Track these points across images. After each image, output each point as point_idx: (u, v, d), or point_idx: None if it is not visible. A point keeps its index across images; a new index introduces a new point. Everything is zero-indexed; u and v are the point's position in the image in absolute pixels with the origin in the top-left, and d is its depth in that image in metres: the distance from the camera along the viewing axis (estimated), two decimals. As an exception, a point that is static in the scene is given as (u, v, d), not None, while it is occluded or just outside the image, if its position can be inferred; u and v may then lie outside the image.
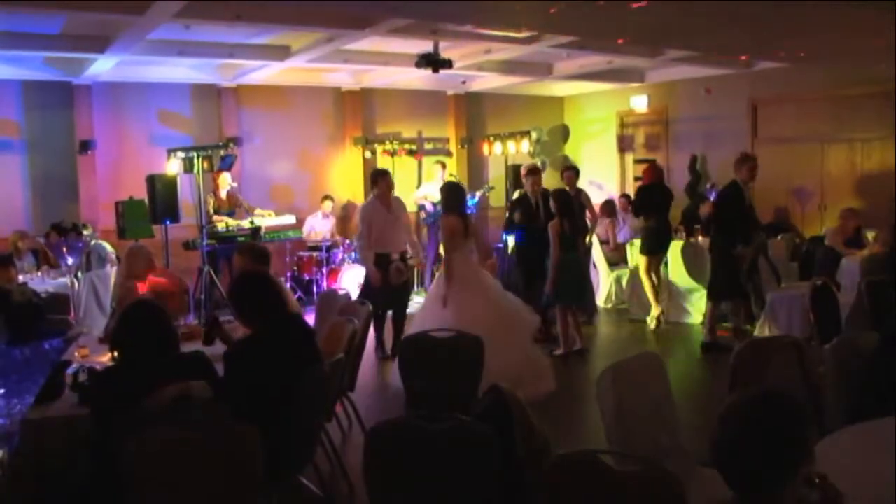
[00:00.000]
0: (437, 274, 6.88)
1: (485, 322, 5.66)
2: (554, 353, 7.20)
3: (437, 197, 10.85)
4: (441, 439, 2.77)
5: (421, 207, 11.09)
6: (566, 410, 5.92)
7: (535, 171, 8.18)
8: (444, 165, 11.33)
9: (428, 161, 11.92)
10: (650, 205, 8.58)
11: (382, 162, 11.64)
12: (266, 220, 9.46)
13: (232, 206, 9.62)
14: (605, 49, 9.28)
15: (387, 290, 7.21)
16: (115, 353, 3.46)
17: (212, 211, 9.29)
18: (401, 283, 7.37)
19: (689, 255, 8.77)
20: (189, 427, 2.91)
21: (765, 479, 1.78)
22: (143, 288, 5.31)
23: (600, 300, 9.73)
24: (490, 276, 6.67)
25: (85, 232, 8.60)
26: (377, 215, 7.33)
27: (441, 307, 6.18)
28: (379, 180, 7.46)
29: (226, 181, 9.53)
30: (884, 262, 6.65)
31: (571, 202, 7.53)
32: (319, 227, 10.77)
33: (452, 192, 6.89)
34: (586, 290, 8.24)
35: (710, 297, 7.56)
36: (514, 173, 10.97)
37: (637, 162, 12.44)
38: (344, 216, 11.49)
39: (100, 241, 8.69)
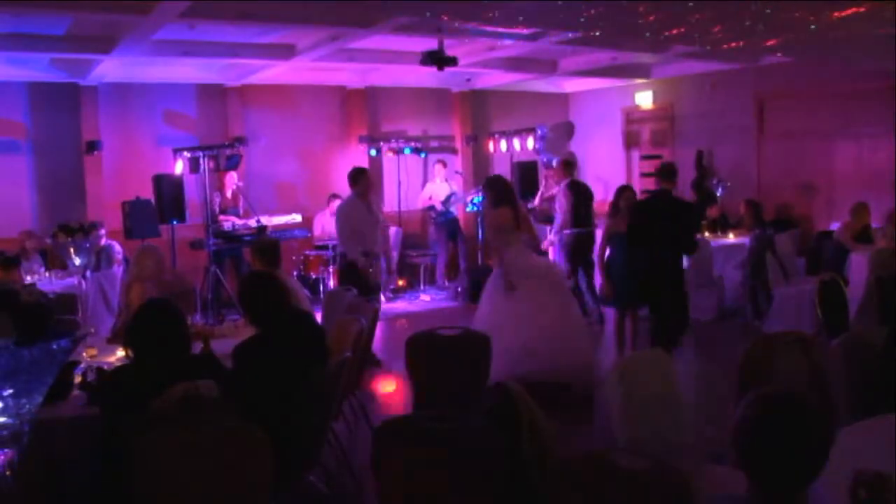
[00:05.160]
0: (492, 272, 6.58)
1: (551, 311, 5.85)
2: None
3: (443, 195, 10.88)
4: (448, 438, 2.77)
5: (430, 208, 11.06)
6: (574, 408, 5.90)
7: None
8: (444, 164, 11.30)
9: (432, 160, 11.90)
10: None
11: (388, 160, 11.65)
12: (272, 218, 9.46)
13: (238, 206, 9.64)
14: (609, 45, 9.25)
15: (367, 289, 7.00)
16: (129, 352, 3.47)
17: (217, 210, 9.30)
18: (378, 282, 7.32)
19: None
20: (197, 427, 2.92)
21: (794, 477, 1.81)
22: (150, 288, 5.31)
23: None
24: (545, 263, 6.55)
25: (101, 231, 8.61)
26: (358, 214, 7.23)
27: (504, 301, 6.10)
28: (360, 179, 7.32)
29: (231, 181, 9.55)
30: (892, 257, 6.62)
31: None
32: (329, 225, 10.77)
33: (499, 184, 6.59)
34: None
35: None
36: (519, 170, 10.95)
37: (643, 158, 12.41)
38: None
39: (110, 242, 8.72)
